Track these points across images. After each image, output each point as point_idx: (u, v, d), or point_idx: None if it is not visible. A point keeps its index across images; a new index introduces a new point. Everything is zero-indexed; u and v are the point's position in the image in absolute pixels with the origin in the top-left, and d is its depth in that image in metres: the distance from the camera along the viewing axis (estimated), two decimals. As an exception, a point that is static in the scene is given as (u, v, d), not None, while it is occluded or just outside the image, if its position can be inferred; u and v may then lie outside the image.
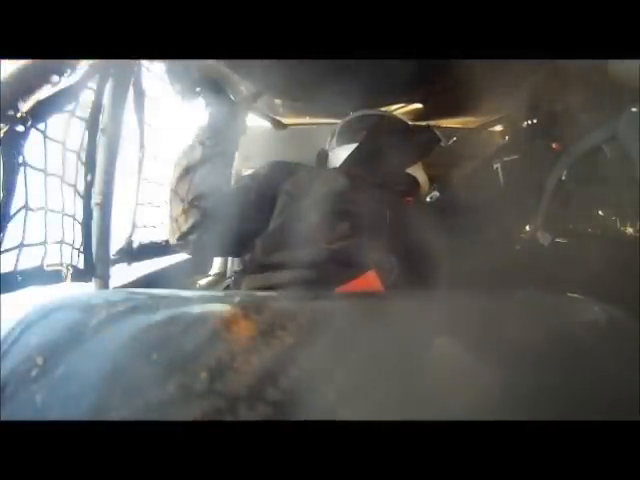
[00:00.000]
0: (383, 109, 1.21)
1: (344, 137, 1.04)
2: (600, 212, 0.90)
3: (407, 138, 1.00)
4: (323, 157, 1.07)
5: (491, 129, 1.43)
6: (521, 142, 1.08)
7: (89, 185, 0.78)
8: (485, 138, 1.42)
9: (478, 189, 0.99)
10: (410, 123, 1.15)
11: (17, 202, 0.61)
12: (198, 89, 0.89)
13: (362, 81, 0.96)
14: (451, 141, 1.16)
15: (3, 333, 0.35)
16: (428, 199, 0.96)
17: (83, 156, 0.76)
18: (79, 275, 0.76)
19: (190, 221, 0.79)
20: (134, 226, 0.96)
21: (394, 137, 0.99)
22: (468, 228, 0.76)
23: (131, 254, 0.93)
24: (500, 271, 0.67)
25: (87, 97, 0.74)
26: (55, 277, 0.69)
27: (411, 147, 0.97)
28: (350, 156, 0.94)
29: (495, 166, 1.06)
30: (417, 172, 0.97)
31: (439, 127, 1.36)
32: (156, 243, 1.03)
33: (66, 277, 0.72)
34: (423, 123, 1.23)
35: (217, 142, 0.85)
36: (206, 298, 0.37)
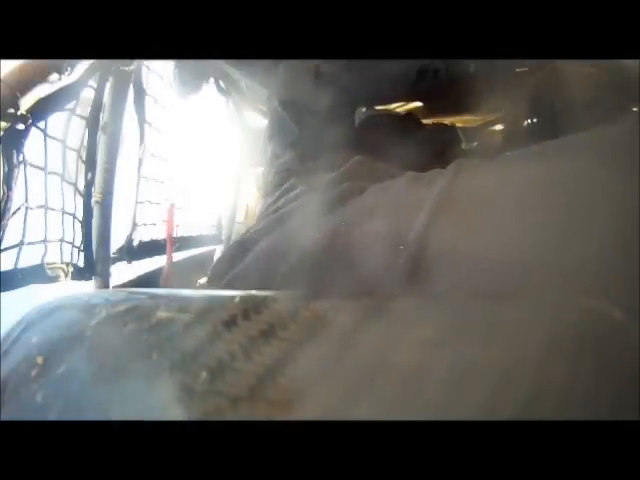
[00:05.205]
0: (381, 107, 1.20)
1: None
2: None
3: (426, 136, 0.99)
4: None
5: (492, 128, 1.42)
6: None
7: (89, 183, 0.78)
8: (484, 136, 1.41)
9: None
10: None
11: (17, 200, 0.61)
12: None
13: (362, 79, 0.96)
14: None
15: (3, 332, 0.35)
16: None
17: (83, 154, 0.76)
18: (79, 273, 0.76)
19: None
20: (134, 224, 0.96)
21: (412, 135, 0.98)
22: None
23: (131, 252, 0.93)
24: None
25: (87, 95, 0.74)
26: (55, 275, 0.69)
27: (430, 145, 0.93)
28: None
29: None
30: None
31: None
32: (156, 241, 1.03)
33: (66, 275, 0.72)
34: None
35: None
36: (207, 298, 0.37)
